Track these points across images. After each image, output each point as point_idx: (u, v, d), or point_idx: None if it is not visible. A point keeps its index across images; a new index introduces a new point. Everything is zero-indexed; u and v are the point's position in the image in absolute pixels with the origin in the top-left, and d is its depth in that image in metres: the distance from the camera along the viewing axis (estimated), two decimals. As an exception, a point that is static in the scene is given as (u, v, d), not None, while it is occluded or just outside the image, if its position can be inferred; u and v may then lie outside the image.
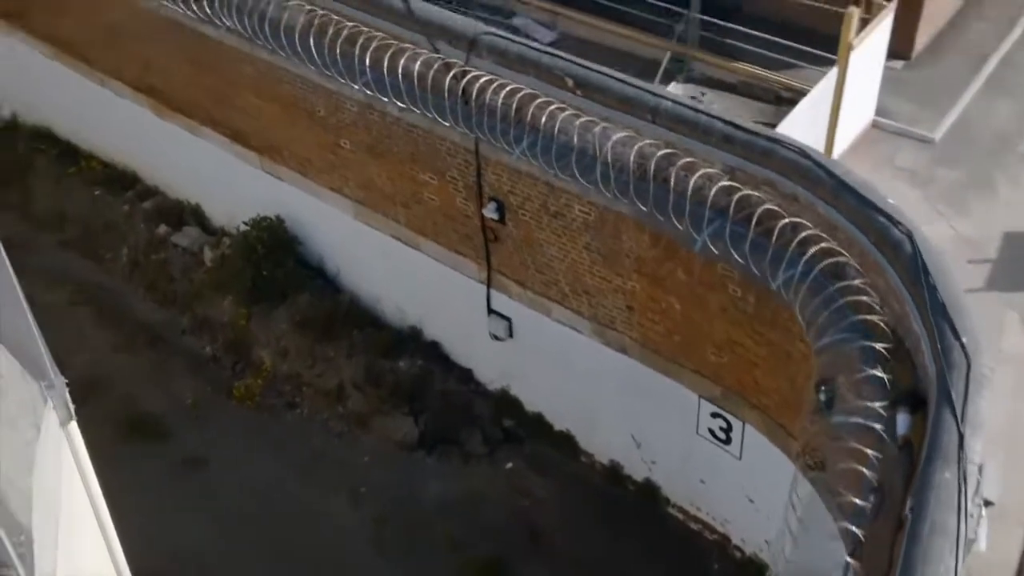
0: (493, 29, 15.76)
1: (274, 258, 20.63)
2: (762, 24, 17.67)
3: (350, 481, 18.89)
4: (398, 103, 15.98)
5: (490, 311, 18.46)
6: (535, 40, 19.84)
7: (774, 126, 16.63)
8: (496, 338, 18.64)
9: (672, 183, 13.85)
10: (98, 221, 23.28)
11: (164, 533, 17.81)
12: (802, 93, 16.85)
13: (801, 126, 16.00)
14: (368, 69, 16.15)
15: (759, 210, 13.20)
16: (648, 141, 14.22)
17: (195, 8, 17.75)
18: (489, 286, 18.18)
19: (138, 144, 23.21)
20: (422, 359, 19.89)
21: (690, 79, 18.85)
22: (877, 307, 12.12)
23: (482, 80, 15.23)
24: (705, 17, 18.16)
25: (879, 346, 11.73)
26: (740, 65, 18.21)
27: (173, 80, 21.08)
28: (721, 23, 17.96)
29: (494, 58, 15.60)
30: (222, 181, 21.72)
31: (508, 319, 18.38)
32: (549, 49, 15.29)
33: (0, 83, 25.81)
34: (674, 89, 18.41)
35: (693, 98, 18.44)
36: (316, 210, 20.17)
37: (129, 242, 22.74)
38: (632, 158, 14.12)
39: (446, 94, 15.46)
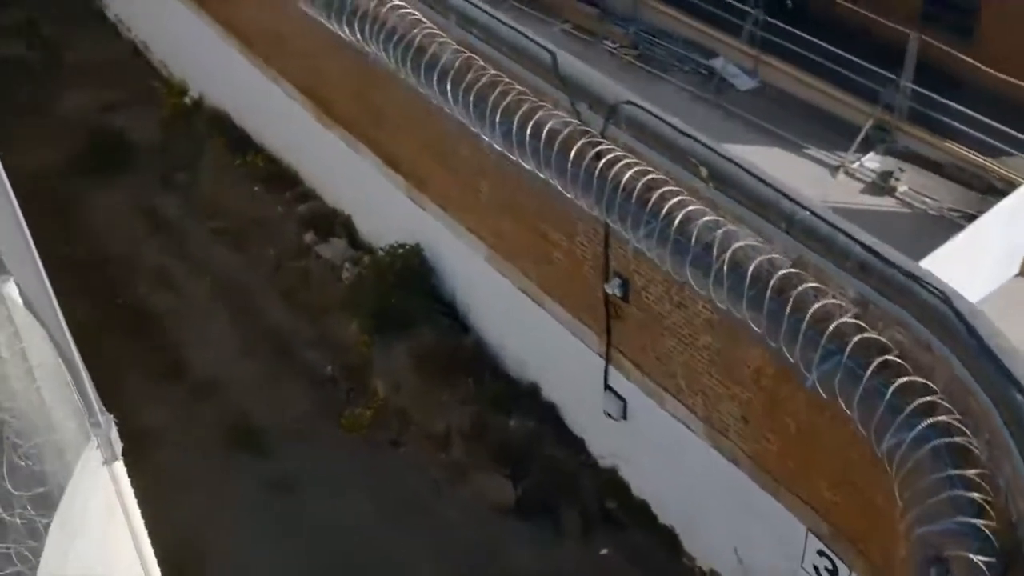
0: (636, 99, 14.40)
1: (405, 287, 19.94)
2: (987, 103, 15.57)
3: (437, 535, 18.03)
4: (523, 161, 14.88)
5: (607, 387, 17.21)
6: (732, 86, 18.55)
7: (974, 217, 14.98)
8: (609, 416, 17.37)
9: (791, 305, 12.23)
10: (253, 217, 23.18)
11: (237, 553, 17.55)
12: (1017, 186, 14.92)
13: (1001, 225, 14.26)
14: (499, 120, 15.10)
15: (882, 359, 11.46)
16: (775, 254, 12.63)
17: (348, 29, 17.09)
18: (608, 362, 16.92)
19: (302, 146, 22.97)
20: (535, 420, 18.80)
21: (891, 151, 17.04)
22: (999, 508, 10.23)
23: (612, 154, 13.95)
24: (920, 89, 16.23)
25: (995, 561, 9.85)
26: (952, 145, 16.30)
27: (337, 92, 20.67)
28: (937, 97, 15.98)
29: (632, 131, 14.29)
30: (372, 199, 21.20)
31: (624, 400, 17.08)
32: (689, 131, 13.82)
33: (191, 63, 26.20)
34: (870, 160, 16.79)
35: (890, 173, 16.74)
36: (453, 246, 19.36)
37: (276, 244, 22.53)
38: (752, 268, 12.56)
39: (573, 160, 14.23)
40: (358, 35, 16.86)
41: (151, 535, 17.04)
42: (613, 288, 15.71)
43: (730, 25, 18.43)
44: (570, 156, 14.16)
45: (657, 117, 14.05)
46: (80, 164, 25.14)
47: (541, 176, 14.80)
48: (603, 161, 13.95)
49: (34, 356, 11.95)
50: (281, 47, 21.78)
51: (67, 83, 27.64)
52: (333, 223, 22.55)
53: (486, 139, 15.80)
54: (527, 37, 15.49)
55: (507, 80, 15.20)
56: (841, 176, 16.84)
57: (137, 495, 18.64)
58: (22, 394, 11.71)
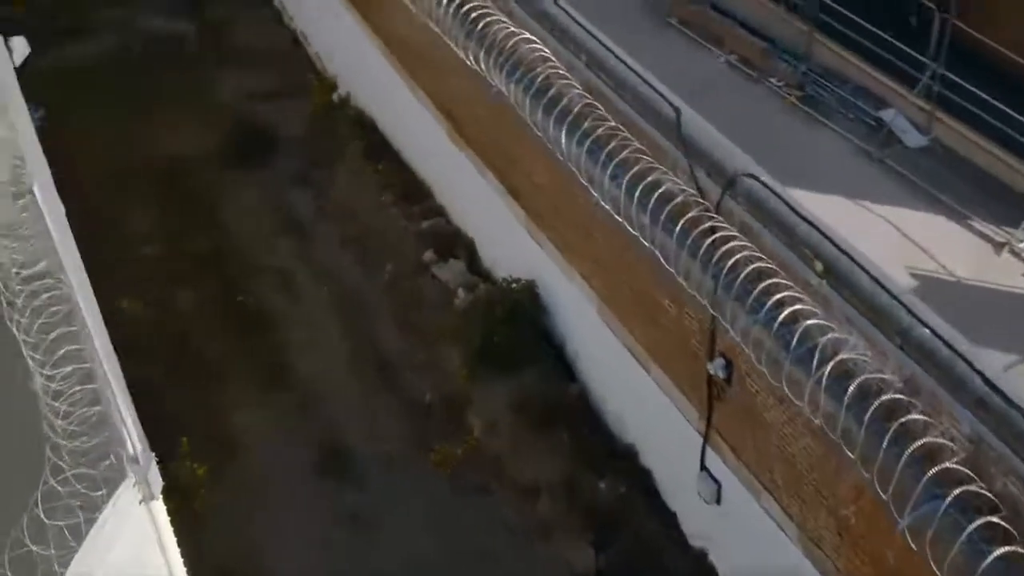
0: (757, 172, 13.08)
1: (515, 323, 19.04)
2: None
3: (510, 595, 17.17)
4: (628, 223, 13.77)
5: (703, 467, 15.95)
6: (900, 141, 16.91)
7: None
8: (703, 499, 16.13)
9: (890, 434, 10.80)
10: (378, 228, 22.65)
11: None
12: None
13: None
14: (611, 175, 14.01)
15: (989, 519, 9.97)
16: (886, 373, 11.21)
17: (473, 57, 16.24)
18: (705, 441, 15.66)
19: (435, 161, 22.31)
20: (627, 485, 17.67)
21: (1068, 234, 15.12)
22: None
23: (723, 232, 12.72)
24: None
25: None
26: None
27: (468, 113, 19.89)
28: None
29: (749, 207, 13.01)
30: (494, 227, 20.38)
31: (719, 483, 15.79)
32: (811, 217, 12.45)
33: (342, 60, 25.89)
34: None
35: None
36: (567, 290, 18.36)
37: (396, 259, 21.93)
38: (855, 386, 11.17)
39: (680, 232, 13.05)
40: (481, 65, 15.99)
41: (213, 544, 16.57)
42: (716, 368, 14.47)
43: (906, 76, 16.74)
44: (678, 227, 12.97)
45: (779, 197, 12.70)
46: (223, 153, 25.12)
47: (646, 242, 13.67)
48: (712, 238, 12.74)
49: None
50: (421, 59, 21.12)
51: (223, 66, 27.74)
52: (455, 244, 21.81)
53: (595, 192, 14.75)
54: (655, 89, 14.33)
55: (626, 134, 14.10)
56: (1005, 255, 14.97)
57: (212, 502, 18.37)
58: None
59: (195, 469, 17.86)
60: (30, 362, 12.23)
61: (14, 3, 28.98)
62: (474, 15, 16.18)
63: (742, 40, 17.94)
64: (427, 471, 18.72)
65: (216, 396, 20.06)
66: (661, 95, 14.13)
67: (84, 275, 13.88)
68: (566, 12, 15.93)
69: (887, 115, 16.95)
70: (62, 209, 15.79)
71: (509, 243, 19.81)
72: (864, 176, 15.32)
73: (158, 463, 11.63)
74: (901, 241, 13.95)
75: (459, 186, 21.40)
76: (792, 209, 12.50)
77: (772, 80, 17.62)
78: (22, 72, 18.12)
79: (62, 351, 12.30)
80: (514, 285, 19.45)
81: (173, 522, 12.37)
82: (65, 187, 23.81)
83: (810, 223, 12.33)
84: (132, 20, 29.45)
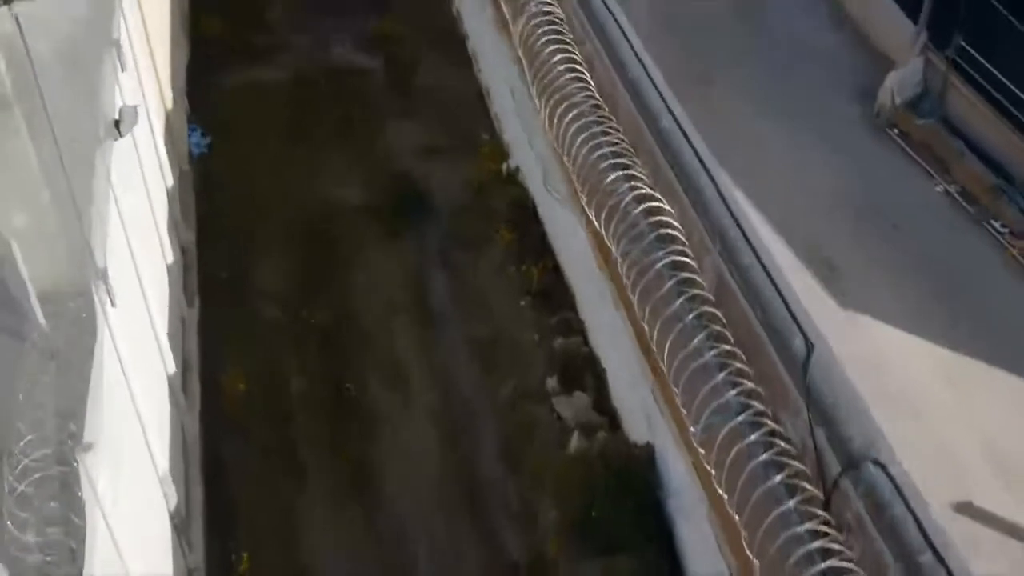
0: (888, 460, 10.13)
1: (618, 499, 16.47)
2: None
3: None
4: (716, 479, 11.05)
5: None
6: None
7: None
8: None
9: None
10: (509, 335, 20.43)
11: None
12: None
13: None
14: (708, 412, 11.31)
15: None
16: None
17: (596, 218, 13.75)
18: None
19: (584, 277, 19.84)
20: None
21: None
22: None
23: (826, 540, 9.86)
24: None
25: None
26: None
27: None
28: None
29: (867, 503, 10.10)
30: (623, 370, 17.83)
31: None
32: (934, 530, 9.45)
33: (515, 130, 23.70)
34: None
35: None
36: (681, 469, 15.68)
37: (519, 377, 19.62)
38: None
39: (771, 523, 10.25)
40: (603, 230, 13.51)
41: None
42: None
43: None
44: (770, 516, 10.19)
45: (907, 508, 9.73)
46: (373, 208, 23.54)
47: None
48: (816, 546, 9.88)
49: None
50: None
51: (399, 110, 26.15)
52: (584, 372, 19.32)
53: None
54: (791, 313, 11.49)
55: (741, 364, 11.34)
56: None
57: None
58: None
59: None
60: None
61: (203, 24, 28.30)
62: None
63: (970, 169, 14.99)
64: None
65: (293, 493, 18.43)
66: (797, 324, 11.25)
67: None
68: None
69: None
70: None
71: (635, 394, 17.25)
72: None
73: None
74: None
75: (599, 311, 18.92)
76: (924, 534, 9.50)
77: (995, 224, 14.51)
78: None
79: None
80: (632, 446, 16.85)
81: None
82: (208, 221, 23.00)
83: (933, 549, 9.31)
84: (321, 48, 28.22)
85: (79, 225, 13.99)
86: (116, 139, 16.08)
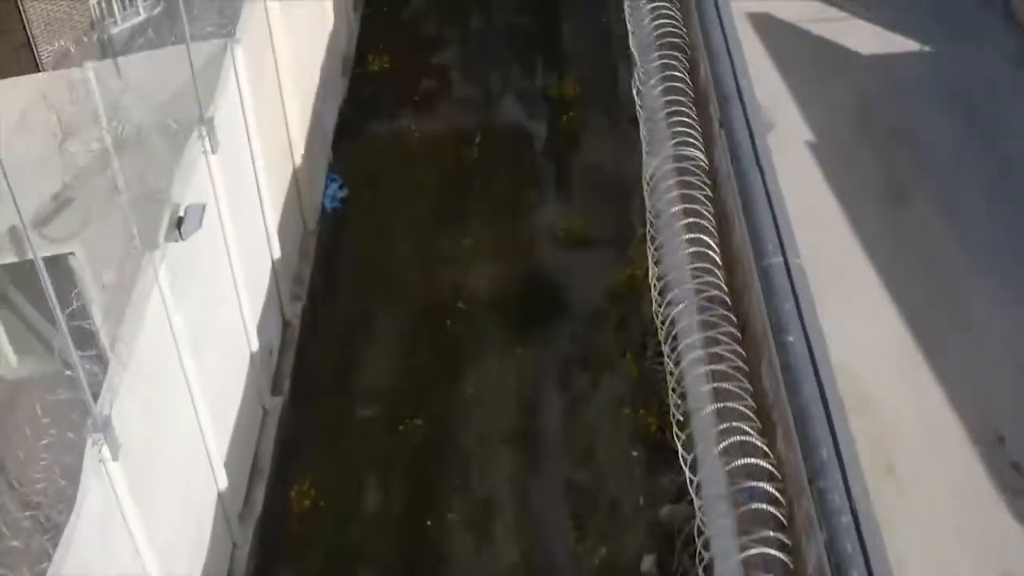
0: None
1: None
2: None
3: None
4: None
5: None
6: None
7: None
8: None
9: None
10: (611, 489, 17.74)
11: None
12: None
13: None
14: None
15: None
16: None
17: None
18: None
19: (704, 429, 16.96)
20: None
21: None
22: None
23: None
24: None
25: None
26: None
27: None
28: None
29: None
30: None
31: None
32: None
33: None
34: None
35: None
36: None
37: (613, 543, 17.00)
38: None
39: None
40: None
41: None
42: None
43: None
44: None
45: None
46: (501, 301, 21.30)
47: None
48: None
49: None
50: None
51: (557, 185, 23.85)
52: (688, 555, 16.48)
53: None
54: None
55: None
56: None
57: None
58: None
59: None
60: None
61: (374, 60, 26.63)
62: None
63: None
64: None
65: None
66: None
67: None
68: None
69: None
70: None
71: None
72: None
73: None
74: None
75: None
76: None
77: None
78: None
79: None
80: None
81: None
82: (321, 295, 21.24)
83: None
84: (488, 102, 26.11)
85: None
86: (177, 241, 14.31)
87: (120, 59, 17.65)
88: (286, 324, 20.29)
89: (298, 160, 21.44)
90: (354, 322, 20.89)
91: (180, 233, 14.28)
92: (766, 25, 21.78)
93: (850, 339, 13.65)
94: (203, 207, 14.52)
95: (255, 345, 18.02)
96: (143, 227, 14.36)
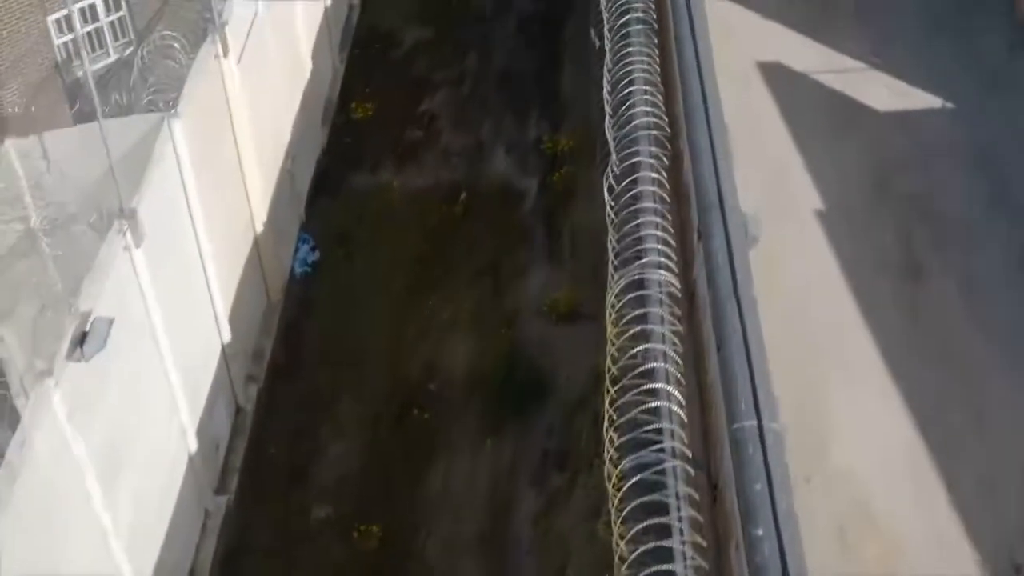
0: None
1: None
2: None
3: None
4: None
5: None
6: None
7: None
8: None
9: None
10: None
11: None
12: None
13: None
14: None
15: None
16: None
17: None
18: None
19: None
20: None
21: None
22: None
23: None
24: None
25: None
26: None
27: None
28: None
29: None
30: None
31: None
32: None
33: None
34: None
35: None
36: None
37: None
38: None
39: None
40: None
41: None
42: None
43: None
44: None
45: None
46: (478, 386, 19.56)
47: None
48: None
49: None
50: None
51: (547, 251, 22.08)
52: None
53: None
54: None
55: None
56: None
57: None
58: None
59: None
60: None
61: (358, 107, 24.99)
62: None
63: None
64: None
65: None
66: None
67: None
68: None
69: None
70: None
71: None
72: None
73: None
74: None
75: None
76: None
77: None
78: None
79: None
80: None
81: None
82: (280, 376, 19.65)
83: None
84: (477, 156, 24.36)
85: None
86: (78, 361, 12.69)
87: (47, 134, 16.03)
88: (239, 410, 18.66)
89: (261, 229, 19.81)
90: (314, 406, 19.22)
91: (82, 352, 12.68)
92: (776, 75, 20.28)
93: (856, 439, 12.84)
94: (110, 322, 12.86)
95: (194, 447, 16.39)
96: (40, 343, 12.78)
